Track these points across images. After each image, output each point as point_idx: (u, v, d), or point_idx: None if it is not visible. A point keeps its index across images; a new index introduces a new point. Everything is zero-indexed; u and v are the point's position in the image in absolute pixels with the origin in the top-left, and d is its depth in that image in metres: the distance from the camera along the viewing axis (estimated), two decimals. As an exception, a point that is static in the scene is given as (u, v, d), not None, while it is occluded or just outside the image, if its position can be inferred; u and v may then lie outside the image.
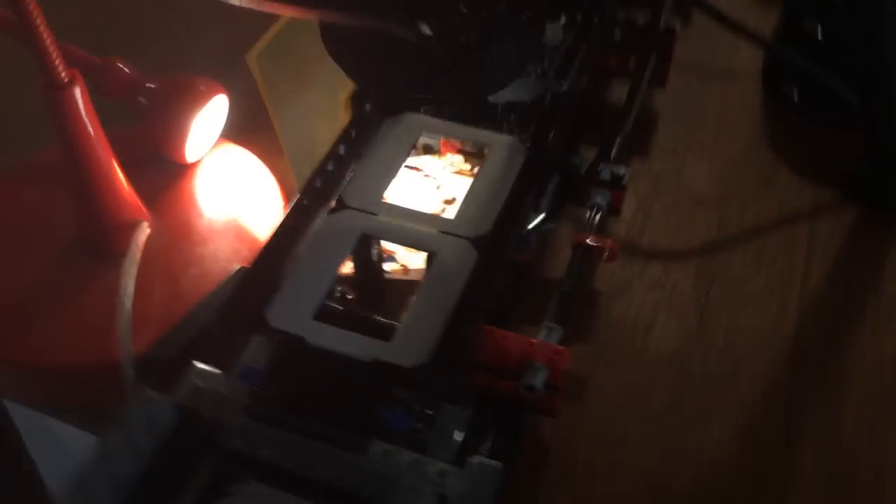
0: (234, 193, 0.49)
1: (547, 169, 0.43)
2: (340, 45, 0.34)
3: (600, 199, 0.46)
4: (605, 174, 0.46)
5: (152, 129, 0.48)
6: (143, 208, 0.46)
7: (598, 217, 0.45)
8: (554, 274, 0.49)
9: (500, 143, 0.42)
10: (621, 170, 0.46)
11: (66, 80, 0.39)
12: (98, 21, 0.63)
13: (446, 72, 0.33)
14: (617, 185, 0.46)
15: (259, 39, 0.38)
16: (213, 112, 0.49)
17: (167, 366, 0.35)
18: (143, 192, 0.46)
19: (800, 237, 0.51)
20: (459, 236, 0.38)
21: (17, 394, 0.45)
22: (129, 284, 0.41)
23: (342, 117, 0.42)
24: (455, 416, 0.38)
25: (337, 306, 0.37)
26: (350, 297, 0.38)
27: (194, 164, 0.50)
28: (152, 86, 0.48)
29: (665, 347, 0.45)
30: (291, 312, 0.35)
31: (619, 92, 0.59)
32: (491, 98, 0.46)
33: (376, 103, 0.43)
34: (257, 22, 0.38)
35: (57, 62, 0.38)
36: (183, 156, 0.49)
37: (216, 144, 0.51)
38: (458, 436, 0.38)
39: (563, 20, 0.43)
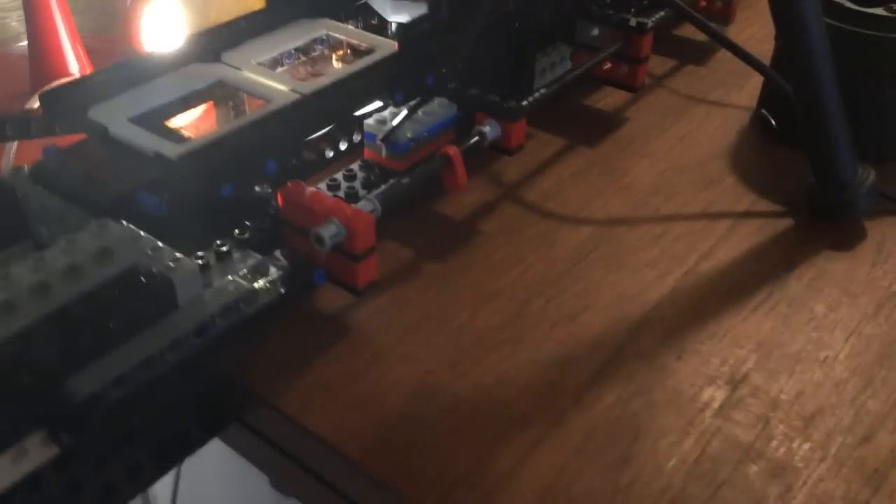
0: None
1: (406, 66, 0.43)
2: None
3: (488, 128, 0.46)
4: (498, 106, 0.46)
5: (128, 27, 0.54)
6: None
7: (477, 143, 0.45)
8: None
9: (387, 45, 0.44)
10: (515, 104, 0.46)
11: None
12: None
13: None
14: (508, 117, 0.46)
15: None
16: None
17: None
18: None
19: (715, 230, 0.47)
20: (298, 93, 0.40)
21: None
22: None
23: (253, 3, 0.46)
24: (247, 258, 0.39)
25: (162, 121, 0.39)
26: (183, 122, 0.41)
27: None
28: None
29: (518, 283, 0.43)
30: (114, 112, 0.38)
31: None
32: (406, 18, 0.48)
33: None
34: None
35: None
36: (140, 44, 0.54)
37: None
38: (243, 270, 0.38)
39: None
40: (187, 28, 0.52)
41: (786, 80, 0.50)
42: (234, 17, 0.45)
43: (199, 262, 0.38)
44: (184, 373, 0.34)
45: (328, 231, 0.37)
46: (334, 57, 0.45)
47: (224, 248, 0.39)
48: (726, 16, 0.67)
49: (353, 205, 0.39)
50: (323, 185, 0.44)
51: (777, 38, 0.56)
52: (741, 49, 0.53)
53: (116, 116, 0.38)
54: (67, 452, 0.31)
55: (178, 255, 0.34)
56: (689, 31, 0.69)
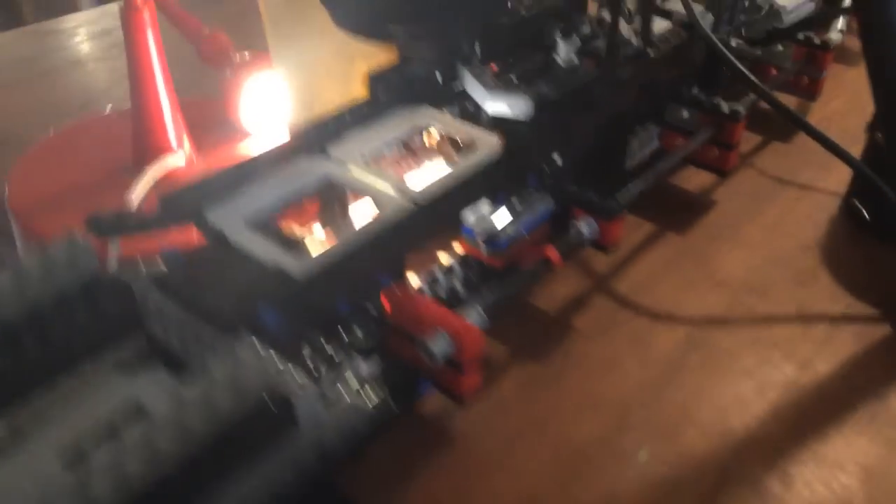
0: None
1: (513, 166, 0.43)
2: None
3: (585, 226, 0.45)
4: (597, 205, 0.46)
5: (228, 96, 0.55)
6: (192, 149, 0.51)
7: (574, 242, 0.45)
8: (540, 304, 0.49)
9: (490, 140, 0.44)
10: (614, 203, 0.45)
11: (139, 3, 0.46)
12: None
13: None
14: (606, 215, 0.45)
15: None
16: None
17: (111, 230, 0.39)
18: (204, 145, 0.52)
19: (813, 337, 0.47)
20: (408, 197, 0.40)
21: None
22: (140, 188, 0.46)
23: (355, 89, 0.46)
24: (354, 367, 0.39)
25: (276, 224, 0.40)
26: (296, 224, 0.41)
27: (254, 134, 0.55)
28: (244, 55, 0.55)
29: (617, 391, 0.43)
30: (230, 215, 0.38)
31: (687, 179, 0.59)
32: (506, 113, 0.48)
33: (393, 88, 0.46)
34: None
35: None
36: (242, 123, 0.55)
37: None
38: (353, 384, 0.38)
39: (578, 44, 0.45)
40: (291, 110, 0.52)
41: (878, 174, 0.50)
42: (339, 109, 0.45)
43: (313, 371, 0.38)
44: (301, 494, 0.34)
45: (439, 347, 0.37)
46: (435, 148, 0.45)
47: (332, 355, 0.39)
48: (813, 91, 0.66)
49: (459, 314, 0.39)
50: (424, 285, 0.44)
51: (870, 127, 0.55)
52: (831, 142, 0.52)
53: (233, 220, 0.38)
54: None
55: (299, 378, 0.34)
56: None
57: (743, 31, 0.62)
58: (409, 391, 0.39)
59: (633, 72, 0.47)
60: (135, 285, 0.38)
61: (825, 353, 0.46)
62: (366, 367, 0.39)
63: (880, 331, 0.47)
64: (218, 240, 0.37)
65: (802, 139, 0.64)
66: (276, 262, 0.36)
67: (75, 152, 0.55)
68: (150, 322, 0.38)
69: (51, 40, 0.83)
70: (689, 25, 0.53)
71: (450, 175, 0.42)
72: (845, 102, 0.69)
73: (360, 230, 0.38)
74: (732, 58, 0.54)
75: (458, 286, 0.45)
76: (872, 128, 0.55)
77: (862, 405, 0.43)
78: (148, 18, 0.46)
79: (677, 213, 0.56)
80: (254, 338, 0.34)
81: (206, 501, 0.31)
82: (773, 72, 0.66)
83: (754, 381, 0.44)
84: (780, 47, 0.66)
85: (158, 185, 0.49)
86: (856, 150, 0.61)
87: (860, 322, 0.48)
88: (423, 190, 0.40)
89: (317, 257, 0.36)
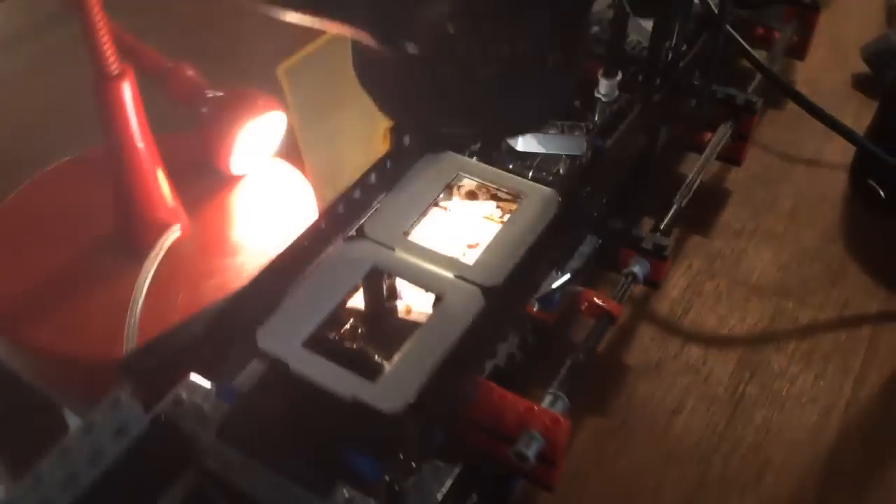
0: (273, 210, 0.49)
1: (578, 226, 0.41)
2: (367, 73, 0.33)
3: (638, 268, 0.43)
4: (647, 243, 0.43)
5: (206, 137, 0.49)
6: (180, 212, 0.46)
7: (629, 286, 0.43)
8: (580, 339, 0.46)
9: (535, 193, 0.41)
10: (664, 240, 0.43)
11: (115, 72, 0.40)
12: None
13: (464, 107, 0.31)
14: (658, 255, 0.43)
15: (296, 52, 0.38)
16: (269, 127, 0.50)
17: (150, 369, 0.34)
18: (184, 198, 0.47)
19: (859, 342, 0.46)
20: (471, 283, 0.37)
21: (34, 379, 0.46)
22: (144, 285, 0.41)
23: (379, 147, 0.42)
24: (439, 473, 0.36)
25: (334, 336, 0.36)
26: (352, 330, 0.37)
27: (241, 177, 0.50)
28: (216, 94, 0.49)
29: (688, 437, 0.42)
30: (283, 336, 0.34)
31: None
32: (536, 149, 0.45)
33: (416, 138, 0.42)
34: (301, 35, 0.38)
35: (108, 54, 0.39)
36: (230, 167, 0.49)
37: (269, 160, 0.51)
38: (439, 494, 0.36)
39: (619, 76, 0.42)
40: (309, 168, 0.46)
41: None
42: (363, 174, 0.40)
43: (394, 487, 0.35)
44: None
45: (532, 449, 0.35)
46: (482, 209, 0.42)
47: (412, 465, 0.36)
48: (802, 52, 0.64)
49: (543, 405, 0.37)
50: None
51: (882, 112, 0.54)
52: (839, 124, 0.51)
53: (289, 342, 0.34)
54: None
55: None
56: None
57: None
58: (503, 494, 0.37)
59: (668, 87, 0.43)
60: (184, 424, 0.34)
61: (875, 362, 0.46)
62: (447, 475, 0.36)
63: (921, 327, 0.47)
64: (280, 370, 0.33)
65: (791, 111, 0.63)
66: (356, 395, 0.32)
67: (36, 225, 0.48)
68: (202, 459, 0.34)
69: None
70: (705, 18, 0.49)
71: (510, 240, 0.38)
72: (827, 54, 0.68)
73: (434, 337, 0.34)
74: (747, 47, 0.51)
75: (516, 352, 0.42)
76: (887, 107, 0.53)
77: (924, 418, 0.43)
78: (128, 89, 0.40)
79: (696, 210, 0.54)
80: (346, 492, 0.31)
81: None
82: (760, 31, 0.64)
83: (818, 407, 0.43)
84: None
85: (160, 267, 0.43)
86: (847, 108, 0.61)
87: (900, 318, 0.48)
88: (487, 267, 0.37)
89: (395, 380, 0.33)
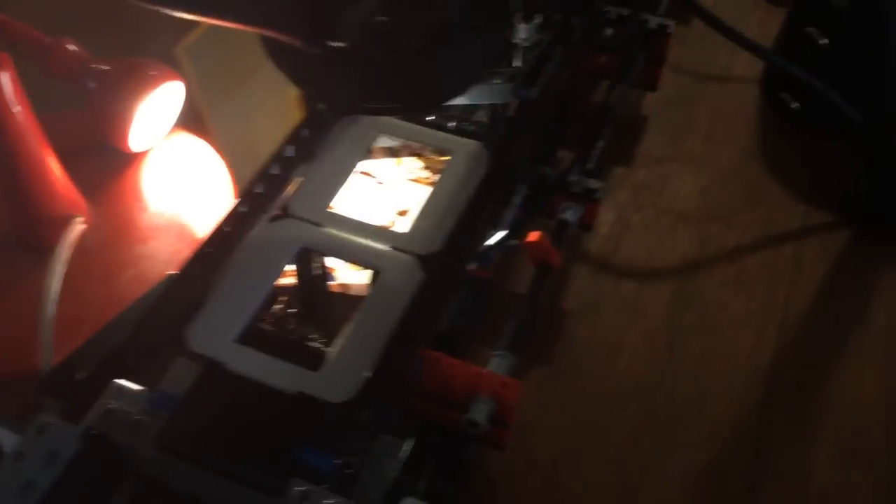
0: (181, 188, 0.46)
1: (511, 181, 0.39)
2: (281, 56, 0.30)
3: (570, 213, 0.42)
4: (578, 187, 0.43)
5: (98, 113, 0.45)
6: (80, 200, 0.43)
7: (565, 233, 0.42)
8: (519, 291, 0.46)
9: (463, 149, 0.39)
10: (595, 183, 0.42)
11: (-10, 63, 0.36)
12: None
13: (393, 79, 0.29)
14: (590, 198, 0.43)
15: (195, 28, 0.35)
16: (166, 99, 0.46)
17: (77, 384, 0.32)
18: (82, 183, 0.43)
19: (785, 261, 0.47)
20: (408, 253, 0.35)
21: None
22: (54, 287, 0.39)
23: (293, 114, 0.39)
24: (391, 450, 0.36)
25: (268, 327, 0.34)
26: (287, 318, 0.35)
27: (142, 154, 0.47)
28: (101, 67, 0.45)
29: (630, 375, 0.42)
30: (214, 333, 0.33)
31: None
32: (457, 100, 0.43)
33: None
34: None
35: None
36: (129, 144, 0.46)
37: (170, 133, 0.48)
38: (394, 471, 0.35)
39: (536, 20, 0.40)
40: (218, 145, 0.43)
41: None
42: (279, 147, 0.38)
43: (346, 470, 0.34)
44: None
45: (483, 415, 0.34)
46: (408, 170, 0.40)
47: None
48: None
49: (490, 368, 0.36)
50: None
51: (788, 26, 0.54)
52: (751, 42, 0.51)
53: (222, 340, 0.32)
54: None
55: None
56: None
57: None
58: (456, 461, 0.36)
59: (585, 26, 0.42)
60: (117, 438, 0.32)
61: (802, 280, 0.47)
62: (400, 449, 0.36)
63: (842, 236, 0.49)
64: (215, 371, 0.32)
65: (696, 26, 0.62)
66: (301, 389, 0.31)
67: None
68: (141, 466, 0.33)
69: None
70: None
71: (444, 204, 0.37)
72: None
73: (380, 315, 0.33)
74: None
75: (457, 316, 0.41)
76: (795, 22, 0.53)
77: (850, 332, 0.44)
78: (7, 79, 0.36)
79: (616, 141, 0.53)
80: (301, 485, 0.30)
81: None
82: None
83: (752, 329, 0.44)
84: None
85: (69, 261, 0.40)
86: (752, 18, 0.61)
87: (822, 232, 0.49)
88: (422, 236, 0.36)
89: (340, 368, 0.31)
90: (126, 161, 0.46)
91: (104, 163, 0.46)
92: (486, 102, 0.42)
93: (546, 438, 0.40)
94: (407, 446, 0.36)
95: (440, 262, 0.35)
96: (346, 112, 0.38)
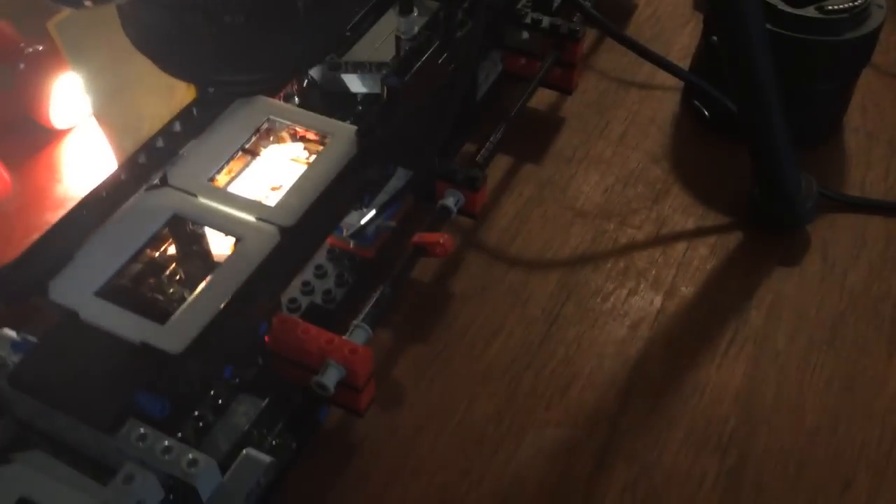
0: (96, 162, 0.49)
1: (375, 163, 0.42)
2: (139, 37, 0.33)
3: (451, 199, 0.45)
4: (460, 176, 0.45)
5: (23, 92, 0.48)
6: (2, 171, 0.46)
7: (444, 217, 0.44)
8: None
9: (341, 132, 0.42)
10: (476, 172, 0.45)
11: None
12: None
13: (226, 56, 0.32)
14: (471, 187, 0.45)
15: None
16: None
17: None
18: (6, 156, 0.46)
19: (673, 258, 0.49)
20: (271, 223, 0.38)
21: None
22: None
23: (185, 96, 0.42)
24: (246, 406, 0.38)
25: (130, 284, 0.37)
26: (150, 277, 0.38)
27: (65, 131, 0.50)
28: (37, 48, 0.49)
29: (503, 357, 0.44)
30: (76, 286, 0.35)
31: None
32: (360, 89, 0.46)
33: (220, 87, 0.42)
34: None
35: None
36: (51, 121, 0.49)
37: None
38: (244, 426, 0.37)
39: (415, 13, 0.42)
40: (104, 122, 0.46)
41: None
42: (167, 122, 0.41)
43: (200, 423, 0.37)
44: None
45: (331, 378, 0.36)
46: (290, 151, 0.42)
47: (220, 401, 0.38)
48: None
49: (347, 336, 0.38)
50: (297, 292, 0.43)
51: (703, 36, 0.56)
52: (663, 60, 0.53)
53: (81, 292, 0.35)
54: None
55: (190, 456, 0.32)
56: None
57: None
58: (307, 422, 0.39)
59: (471, 24, 0.44)
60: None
61: (686, 276, 0.48)
62: (253, 406, 0.38)
63: (733, 238, 0.50)
64: (69, 320, 0.34)
65: (634, 31, 0.64)
66: (143, 338, 0.33)
67: None
68: (13, 408, 0.35)
69: None
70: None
71: (310, 180, 0.39)
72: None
73: (226, 276, 0.36)
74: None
75: (333, 287, 0.43)
76: (707, 31, 0.55)
77: (725, 325, 0.46)
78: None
79: (529, 139, 0.56)
80: (138, 427, 0.33)
81: None
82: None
83: (629, 320, 0.46)
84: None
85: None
86: (686, 28, 0.62)
87: (714, 234, 0.51)
88: (285, 208, 0.38)
89: (184, 323, 0.34)
90: (49, 137, 0.50)
91: (29, 139, 0.49)
92: (371, 91, 0.45)
93: (411, 410, 0.42)
94: (262, 404, 0.38)
95: (297, 232, 0.37)
96: (201, 84, 0.41)
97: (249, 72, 0.33)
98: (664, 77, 0.60)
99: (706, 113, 0.56)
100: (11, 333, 0.36)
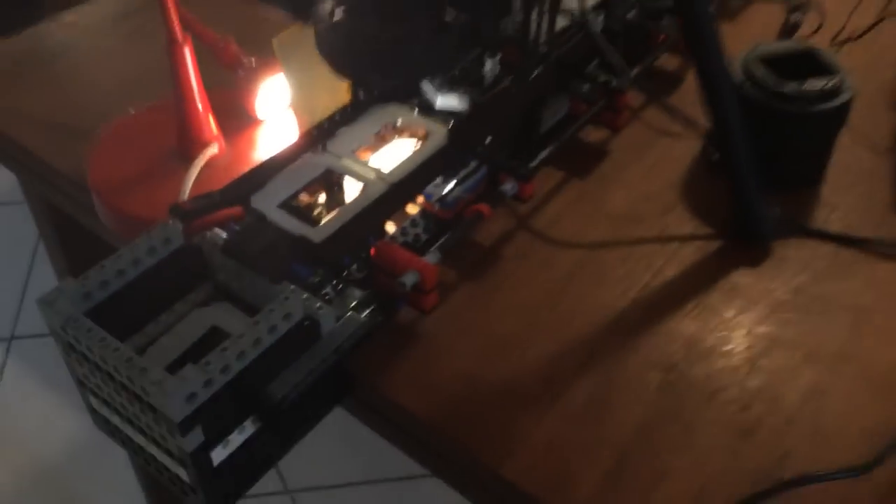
0: (282, 140, 0.73)
1: (456, 153, 0.63)
2: (323, 46, 0.57)
3: (508, 186, 0.66)
4: (516, 171, 0.66)
5: (242, 91, 0.73)
6: (219, 137, 0.70)
7: (500, 197, 0.66)
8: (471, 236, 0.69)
9: (439, 131, 0.64)
10: (527, 168, 0.66)
11: (181, 40, 0.64)
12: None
13: (377, 66, 0.55)
14: (522, 178, 0.66)
15: (285, 30, 0.63)
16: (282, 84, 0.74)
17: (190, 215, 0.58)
18: (224, 130, 0.71)
19: (667, 249, 0.68)
20: (384, 181, 0.60)
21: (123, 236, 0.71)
22: (190, 180, 0.66)
23: (343, 95, 0.65)
24: (354, 293, 0.60)
25: (298, 203, 0.60)
26: (311, 200, 0.61)
27: (263, 121, 0.74)
28: (251, 60, 0.74)
29: (532, 298, 0.64)
30: (266, 200, 0.58)
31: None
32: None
33: (367, 91, 0.65)
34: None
35: (176, 27, 0.63)
36: (256, 112, 0.73)
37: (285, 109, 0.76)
38: (352, 303, 0.59)
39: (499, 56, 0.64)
40: (297, 112, 0.71)
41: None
42: (331, 113, 0.64)
43: (326, 297, 0.59)
44: (326, 376, 0.55)
45: (409, 280, 0.58)
46: (403, 138, 0.65)
47: (340, 286, 0.60)
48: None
49: (423, 258, 0.60)
50: (397, 233, 0.65)
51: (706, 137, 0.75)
52: (684, 115, 0.73)
53: (268, 203, 0.58)
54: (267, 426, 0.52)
55: (318, 304, 0.54)
56: (660, 62, 0.87)
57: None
58: (390, 307, 0.60)
59: (540, 71, 0.66)
60: (205, 250, 0.58)
61: (673, 264, 0.67)
62: (359, 293, 0.60)
63: (714, 245, 0.69)
64: (260, 218, 0.57)
65: (677, 97, 0.84)
66: (300, 233, 0.56)
67: (133, 141, 0.73)
68: (216, 274, 0.58)
69: (76, 32, 0.98)
70: (581, 25, 0.71)
71: (412, 159, 0.62)
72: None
73: (352, 206, 0.58)
74: (614, 53, 0.73)
75: (421, 233, 0.65)
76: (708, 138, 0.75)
77: (691, 299, 0.64)
78: (188, 51, 0.65)
79: (580, 163, 0.76)
80: (291, 284, 0.55)
81: (273, 381, 0.52)
82: (663, 37, 0.85)
83: (623, 286, 0.65)
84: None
85: (202, 170, 0.68)
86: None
87: (702, 239, 0.69)
88: (393, 173, 0.60)
89: (325, 227, 0.56)
90: (254, 123, 0.74)
91: (240, 122, 0.74)
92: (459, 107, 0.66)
93: (459, 320, 0.62)
94: (363, 294, 0.60)
95: (396, 187, 0.59)
96: (359, 83, 0.64)
97: (389, 77, 0.56)
98: (695, 131, 0.79)
99: (713, 157, 0.75)
100: (222, 233, 0.59)
